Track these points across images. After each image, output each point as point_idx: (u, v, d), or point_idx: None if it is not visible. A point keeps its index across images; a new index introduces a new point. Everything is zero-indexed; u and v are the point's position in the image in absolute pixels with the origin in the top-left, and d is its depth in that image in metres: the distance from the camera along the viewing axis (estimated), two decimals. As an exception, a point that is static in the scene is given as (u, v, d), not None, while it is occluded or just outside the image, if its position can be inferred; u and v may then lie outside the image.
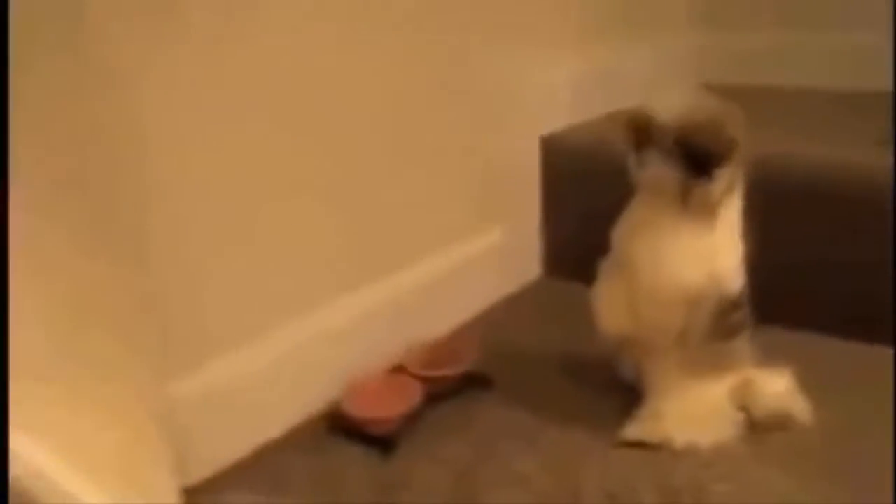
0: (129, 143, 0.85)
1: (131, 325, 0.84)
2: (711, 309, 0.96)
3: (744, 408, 1.02)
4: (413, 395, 1.08)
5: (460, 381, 1.15)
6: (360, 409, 1.06)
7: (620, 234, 1.04)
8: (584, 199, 1.50)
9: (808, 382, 1.04)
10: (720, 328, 0.98)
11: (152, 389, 0.89)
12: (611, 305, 1.04)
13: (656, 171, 0.96)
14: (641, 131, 0.96)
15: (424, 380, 1.12)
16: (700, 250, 0.96)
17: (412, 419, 1.07)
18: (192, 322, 0.98)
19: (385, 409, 1.06)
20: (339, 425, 1.08)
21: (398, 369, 1.18)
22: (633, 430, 1.03)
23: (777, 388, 1.03)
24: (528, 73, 1.46)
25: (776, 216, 1.22)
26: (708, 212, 0.96)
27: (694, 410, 1.01)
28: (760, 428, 1.02)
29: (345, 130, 1.12)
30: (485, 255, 1.42)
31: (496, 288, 1.47)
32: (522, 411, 1.11)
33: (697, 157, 0.93)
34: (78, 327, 0.79)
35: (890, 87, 1.67)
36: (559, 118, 1.56)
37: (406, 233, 1.27)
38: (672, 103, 0.96)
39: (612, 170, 1.43)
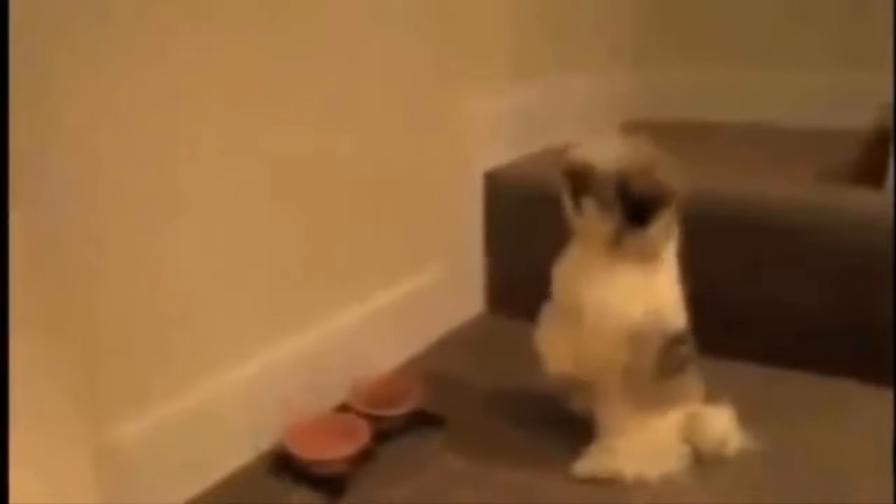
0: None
1: (62, 368, 0.81)
2: (655, 348, 0.98)
3: (690, 441, 1.03)
4: (361, 434, 1.06)
5: (408, 420, 1.13)
6: (307, 450, 1.03)
7: (561, 276, 1.05)
8: (527, 234, 1.50)
9: (745, 412, 1.05)
10: (666, 364, 0.99)
11: (85, 435, 0.85)
12: (555, 348, 1.05)
13: (594, 219, 0.98)
14: (579, 179, 0.98)
15: (372, 419, 1.10)
16: (640, 292, 0.98)
17: (361, 460, 1.04)
18: (130, 364, 0.94)
19: (332, 449, 1.03)
20: (284, 467, 1.05)
21: (344, 408, 1.16)
22: (585, 465, 1.03)
23: (720, 422, 1.04)
24: (467, 108, 1.46)
25: (705, 249, 1.24)
26: (647, 257, 0.98)
27: (643, 445, 1.02)
28: (705, 459, 1.03)
29: (284, 170, 1.10)
30: (428, 291, 1.41)
31: (439, 324, 1.46)
32: (472, 450, 1.09)
33: (635, 206, 0.95)
34: None
35: (820, 124, 1.74)
36: (500, 153, 1.57)
37: (348, 269, 1.25)
38: (608, 151, 0.98)
39: (555, 205, 1.45)
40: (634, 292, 0.98)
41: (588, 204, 0.97)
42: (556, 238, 1.44)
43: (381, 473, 1.05)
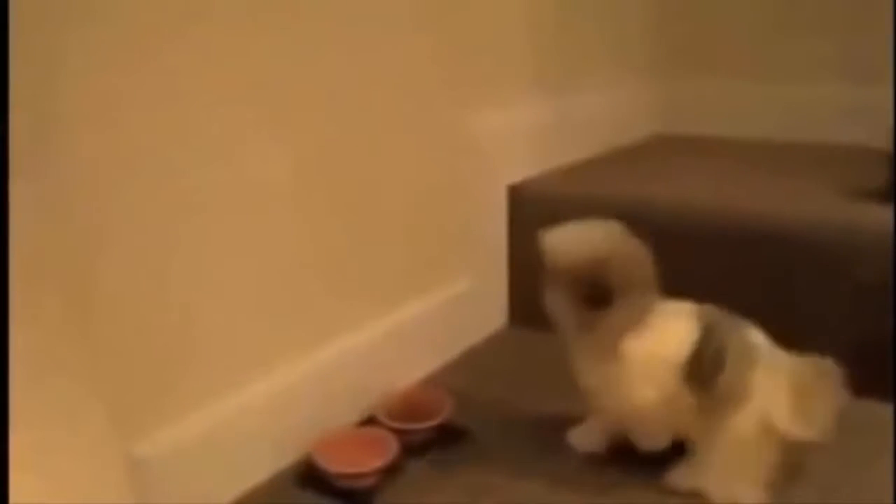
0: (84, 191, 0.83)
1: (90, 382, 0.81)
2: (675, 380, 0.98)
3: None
4: (388, 448, 1.06)
5: (435, 433, 1.13)
6: (335, 464, 1.03)
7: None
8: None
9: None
10: (703, 374, 0.98)
11: (113, 448, 0.86)
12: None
13: (557, 309, 1.02)
14: (545, 271, 1.02)
15: (399, 432, 1.10)
16: (609, 378, 1.02)
17: (388, 474, 1.04)
18: (158, 379, 0.94)
19: (360, 463, 1.03)
20: (311, 480, 1.05)
21: (370, 421, 1.16)
22: (675, 478, 1.03)
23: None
24: (490, 123, 1.46)
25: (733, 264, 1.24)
26: (613, 343, 1.00)
27: (737, 462, 1.00)
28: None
29: (313, 185, 1.10)
30: (452, 304, 1.41)
31: (464, 337, 1.46)
32: (498, 464, 1.09)
33: (592, 292, 0.98)
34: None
35: (850, 140, 1.74)
36: (525, 167, 1.57)
37: (374, 282, 1.25)
38: (566, 242, 1.02)
39: (579, 218, 1.46)
40: (605, 382, 1.03)
41: (551, 294, 1.03)
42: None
43: (408, 487, 1.04)
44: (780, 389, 0.96)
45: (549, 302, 1.03)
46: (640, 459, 1.06)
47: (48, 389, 0.77)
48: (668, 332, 0.99)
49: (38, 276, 0.76)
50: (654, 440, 1.05)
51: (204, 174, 0.96)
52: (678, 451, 1.03)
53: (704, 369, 0.97)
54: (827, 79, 1.89)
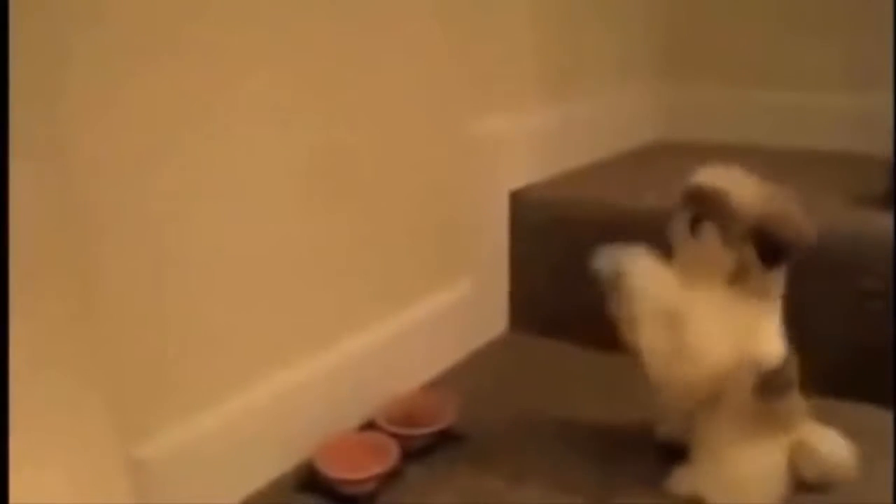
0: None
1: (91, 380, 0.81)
2: (750, 383, 0.95)
3: (795, 467, 1.01)
4: (389, 453, 1.06)
5: (436, 439, 1.13)
6: (335, 469, 1.03)
7: (663, 287, 1.00)
8: (552, 253, 1.50)
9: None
10: (765, 390, 0.96)
11: (114, 451, 0.86)
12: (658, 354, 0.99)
13: (713, 248, 0.95)
14: (707, 204, 0.95)
15: (399, 437, 1.10)
16: (742, 331, 0.95)
17: (389, 479, 1.04)
18: (159, 380, 0.94)
19: (361, 468, 1.03)
20: (311, 485, 1.04)
21: (370, 426, 1.16)
22: (677, 485, 1.02)
23: (835, 449, 1.02)
24: (493, 128, 1.46)
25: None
26: (761, 297, 0.96)
27: (741, 472, 0.99)
28: (808, 487, 1.01)
29: (315, 189, 1.10)
30: (454, 309, 1.41)
31: (464, 342, 1.46)
32: (500, 470, 1.09)
33: (771, 249, 0.93)
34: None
35: (851, 147, 1.74)
36: (528, 172, 1.57)
37: (375, 287, 1.25)
38: (744, 185, 0.95)
39: (580, 224, 1.46)
40: (736, 328, 0.95)
41: (710, 232, 0.95)
42: (582, 257, 1.44)
43: (408, 492, 1.04)
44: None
45: (700, 242, 0.96)
46: (643, 464, 1.06)
47: (47, 388, 0.77)
48: (772, 328, 0.97)
49: (37, 272, 0.75)
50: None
51: (207, 173, 0.96)
52: (679, 456, 1.03)
53: (774, 385, 0.96)
54: (828, 85, 1.89)
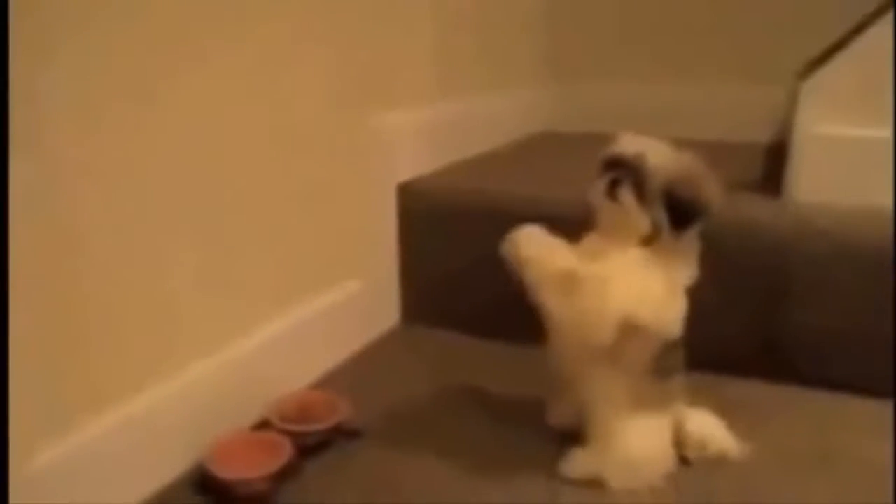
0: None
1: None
2: (653, 350, 0.99)
3: (676, 444, 1.05)
4: (282, 451, 1.04)
5: (330, 435, 1.12)
6: (228, 470, 1.01)
7: (554, 252, 1.02)
8: (442, 245, 1.52)
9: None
10: (661, 368, 1.00)
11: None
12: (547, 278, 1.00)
13: (630, 210, 0.98)
14: (625, 168, 0.98)
15: (293, 435, 1.09)
16: (653, 292, 0.98)
17: (284, 477, 1.03)
18: (35, 394, 0.88)
19: (254, 468, 1.01)
20: (205, 488, 1.02)
21: (264, 424, 1.14)
22: (571, 467, 1.04)
23: (709, 426, 1.07)
24: (381, 122, 1.46)
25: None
26: (669, 258, 0.98)
27: (633, 451, 1.02)
28: (691, 463, 1.05)
29: (195, 184, 1.07)
30: (344, 304, 1.40)
31: (357, 337, 1.46)
32: (394, 464, 1.09)
33: (680, 210, 0.97)
34: None
35: (724, 137, 1.82)
36: (415, 165, 1.58)
37: (263, 285, 1.23)
38: (659, 151, 0.99)
39: (469, 216, 1.47)
40: (651, 290, 0.98)
41: (627, 194, 0.98)
42: (471, 248, 1.46)
43: (303, 490, 1.03)
44: None
45: (619, 205, 0.98)
46: (537, 449, 1.09)
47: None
48: (678, 296, 1.00)
49: None
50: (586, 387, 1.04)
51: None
52: (572, 440, 1.06)
53: (671, 358, 1.02)
54: (704, 78, 1.98)
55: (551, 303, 0.99)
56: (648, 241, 0.98)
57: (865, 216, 1.25)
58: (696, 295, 1.00)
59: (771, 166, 1.57)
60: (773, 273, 1.28)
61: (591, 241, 1.04)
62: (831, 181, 1.30)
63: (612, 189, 0.99)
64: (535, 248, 1.01)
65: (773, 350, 1.29)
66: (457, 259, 1.50)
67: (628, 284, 0.96)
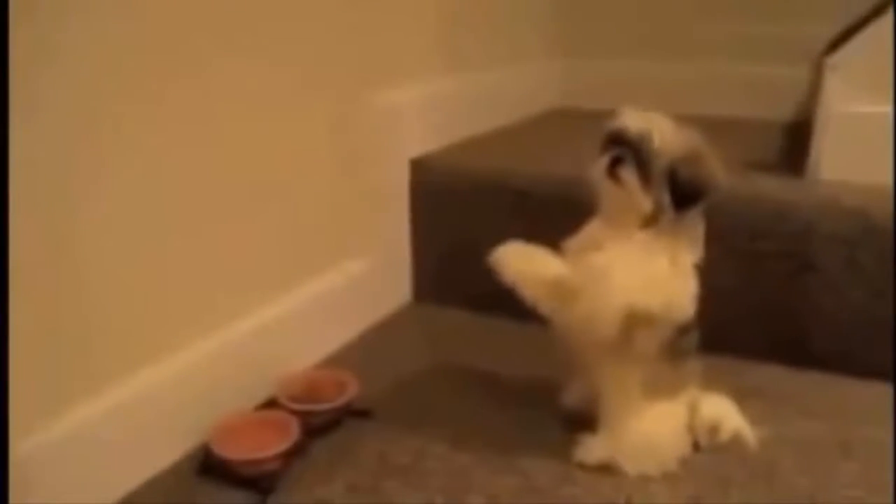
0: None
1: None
2: (664, 336, 0.95)
3: (690, 429, 1.03)
4: (289, 431, 1.02)
5: (338, 413, 1.10)
6: (233, 450, 0.99)
7: (578, 244, 1.00)
8: (454, 221, 1.49)
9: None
10: (674, 352, 0.97)
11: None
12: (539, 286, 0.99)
13: (634, 191, 0.93)
14: (628, 147, 0.94)
15: (300, 414, 1.07)
16: (662, 277, 0.94)
17: (290, 457, 1.01)
18: (35, 372, 0.87)
19: (261, 448, 0.99)
20: (210, 469, 1.00)
21: (271, 403, 1.12)
22: (585, 454, 1.02)
23: (723, 410, 1.04)
24: (392, 98, 1.43)
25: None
26: (673, 239, 0.95)
27: (646, 437, 1.00)
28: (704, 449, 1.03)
29: (206, 163, 1.05)
30: (355, 281, 1.38)
31: (367, 314, 1.43)
32: (405, 441, 1.07)
33: (683, 190, 0.93)
34: None
35: (739, 114, 1.78)
36: (427, 141, 1.55)
37: (273, 263, 1.20)
38: (663, 128, 0.94)
39: (481, 192, 1.45)
40: (656, 277, 0.94)
41: (630, 173, 0.93)
42: (483, 225, 1.44)
43: (311, 470, 1.01)
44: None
45: (622, 186, 0.94)
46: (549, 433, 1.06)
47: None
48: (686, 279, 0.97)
49: None
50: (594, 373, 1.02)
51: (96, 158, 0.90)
52: (584, 425, 1.04)
53: (679, 348, 0.98)
54: (718, 55, 1.94)
55: (552, 312, 0.97)
56: (650, 221, 0.94)
57: (891, 195, 1.21)
58: (714, 277, 0.96)
59: (793, 145, 1.54)
60: (795, 254, 1.24)
61: (591, 227, 1.00)
62: (856, 159, 1.26)
63: (614, 168, 0.95)
64: (518, 264, 0.98)
65: (794, 334, 1.26)
66: (469, 236, 1.47)
67: (630, 273, 0.93)
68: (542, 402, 1.12)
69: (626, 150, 0.94)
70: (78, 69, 0.86)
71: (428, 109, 1.56)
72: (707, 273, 0.97)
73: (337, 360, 1.30)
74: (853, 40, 1.33)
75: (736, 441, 1.04)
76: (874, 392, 1.18)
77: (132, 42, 0.93)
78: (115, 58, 0.91)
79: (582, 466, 1.01)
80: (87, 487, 0.92)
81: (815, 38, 1.70)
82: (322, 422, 1.09)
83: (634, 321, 0.93)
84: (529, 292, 0.97)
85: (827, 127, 1.31)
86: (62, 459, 0.89)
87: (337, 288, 1.34)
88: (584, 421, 1.04)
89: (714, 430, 1.03)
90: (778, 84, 1.84)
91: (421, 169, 1.50)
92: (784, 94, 1.84)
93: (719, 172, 0.95)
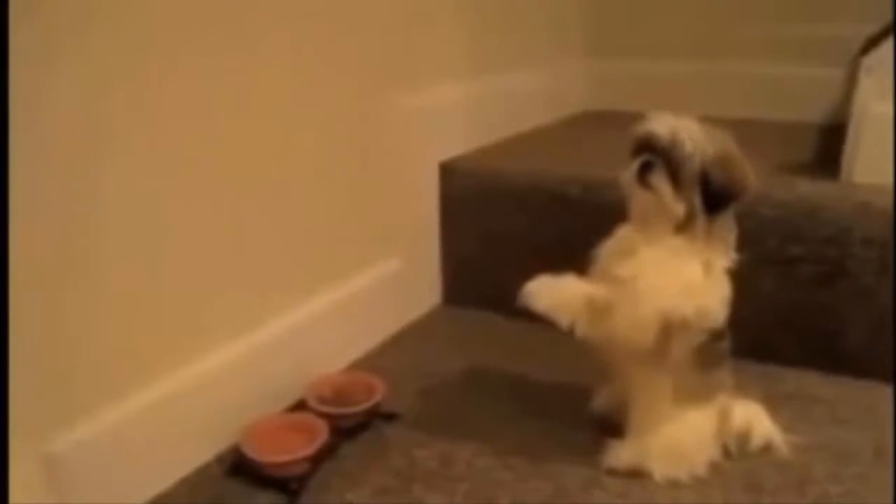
0: None
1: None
2: (696, 342, 0.95)
3: (720, 435, 1.02)
4: (319, 433, 1.03)
5: (367, 416, 1.11)
6: (263, 452, 1.00)
7: (610, 251, 0.99)
8: (483, 224, 1.49)
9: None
10: (706, 359, 0.96)
11: (30, 443, 0.83)
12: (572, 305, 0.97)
13: (666, 196, 0.92)
14: (658, 152, 0.93)
15: (329, 416, 1.07)
16: (691, 282, 0.93)
17: (319, 459, 1.01)
18: (72, 370, 0.89)
19: (290, 450, 1.00)
20: (240, 470, 1.01)
21: (300, 406, 1.13)
22: (614, 459, 1.01)
23: (754, 416, 1.04)
24: (422, 100, 1.43)
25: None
26: (706, 244, 0.94)
27: (676, 443, 0.99)
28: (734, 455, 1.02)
29: (240, 166, 1.06)
30: (385, 283, 1.38)
31: (396, 317, 1.44)
32: (433, 445, 1.07)
33: (715, 191, 0.92)
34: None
35: (774, 116, 1.77)
36: (457, 144, 1.55)
37: (304, 265, 1.21)
38: (693, 131, 0.92)
39: (510, 195, 1.44)
40: (690, 282, 0.93)
41: (661, 178, 0.92)
42: (513, 228, 1.44)
43: (339, 472, 1.02)
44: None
45: (653, 192, 0.93)
46: (579, 437, 1.06)
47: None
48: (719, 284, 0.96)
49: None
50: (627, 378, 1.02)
51: (128, 158, 0.91)
52: (613, 430, 1.03)
53: (712, 355, 0.97)
54: (753, 56, 1.91)
55: (590, 334, 0.96)
56: (683, 226, 0.93)
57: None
58: (746, 281, 0.95)
59: (827, 147, 1.51)
60: (828, 258, 1.22)
61: (623, 232, 0.99)
62: (891, 161, 1.24)
63: (644, 174, 0.94)
64: (548, 297, 0.97)
65: (828, 339, 1.25)
66: (499, 239, 1.47)
67: (662, 281, 0.92)
68: (570, 407, 1.12)
69: (655, 156, 0.93)
70: (87, 72, 0.86)
71: (458, 112, 1.56)
72: (739, 277, 0.96)
73: (366, 363, 1.31)
74: (888, 41, 1.31)
75: (767, 447, 1.03)
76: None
77: (143, 42, 0.92)
78: (125, 59, 0.90)
79: (611, 472, 1.00)
80: (121, 487, 0.94)
81: (851, 39, 1.67)
82: (351, 424, 1.09)
83: (670, 328, 0.92)
84: (564, 321, 0.96)
85: (861, 129, 1.28)
86: (97, 459, 0.91)
87: (367, 291, 1.34)
88: (612, 426, 1.04)
89: (745, 436, 1.03)
90: (812, 86, 1.82)
91: (451, 172, 1.50)
92: (819, 95, 1.82)
93: (751, 174, 0.94)
